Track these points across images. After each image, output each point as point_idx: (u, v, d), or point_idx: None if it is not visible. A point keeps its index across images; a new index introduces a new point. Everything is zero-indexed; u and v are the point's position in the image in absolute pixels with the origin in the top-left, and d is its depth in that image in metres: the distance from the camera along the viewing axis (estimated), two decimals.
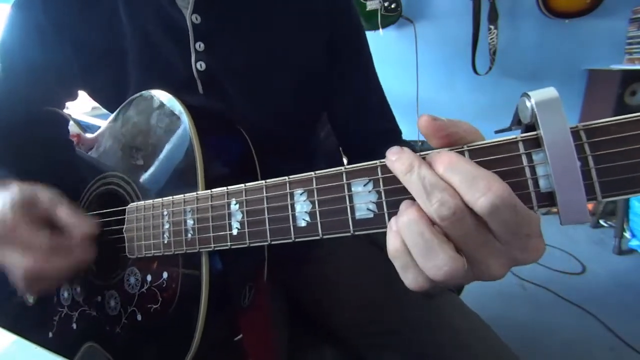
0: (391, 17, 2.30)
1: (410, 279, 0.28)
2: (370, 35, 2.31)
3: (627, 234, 1.89)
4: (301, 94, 0.64)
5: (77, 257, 0.47)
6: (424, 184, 0.26)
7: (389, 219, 0.29)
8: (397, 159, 0.28)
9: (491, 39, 2.21)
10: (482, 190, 0.24)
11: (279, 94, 0.63)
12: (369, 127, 0.71)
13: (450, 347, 0.55)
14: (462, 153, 0.27)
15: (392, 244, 0.28)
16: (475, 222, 0.26)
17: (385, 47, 2.46)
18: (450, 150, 0.28)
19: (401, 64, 2.48)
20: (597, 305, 1.52)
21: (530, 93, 0.24)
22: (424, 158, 0.28)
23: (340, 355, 0.65)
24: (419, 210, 0.27)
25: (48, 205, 0.48)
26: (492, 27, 2.19)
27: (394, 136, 0.73)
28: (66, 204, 0.49)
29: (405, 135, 0.75)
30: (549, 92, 0.24)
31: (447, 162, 0.26)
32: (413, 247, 0.27)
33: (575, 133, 0.24)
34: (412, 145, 0.67)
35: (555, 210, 0.25)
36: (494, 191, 0.24)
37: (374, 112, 0.72)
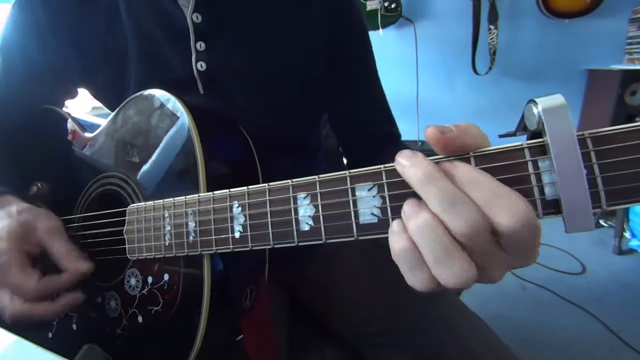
0: (391, 17, 2.30)
1: (417, 281, 0.28)
2: (370, 35, 2.30)
3: (627, 234, 1.89)
4: (302, 94, 0.64)
5: (65, 303, 0.49)
6: (445, 196, 0.25)
7: None
8: (411, 165, 0.27)
9: (491, 39, 2.20)
10: (505, 209, 0.24)
11: (280, 93, 0.63)
12: (369, 130, 0.71)
13: (450, 347, 0.55)
14: (467, 160, 0.27)
15: (398, 245, 0.27)
16: (490, 237, 0.25)
17: (385, 47, 2.46)
18: (457, 157, 0.27)
19: (401, 64, 2.48)
20: (597, 305, 1.53)
21: (537, 100, 0.24)
22: (438, 164, 0.27)
23: (340, 355, 0.65)
24: (435, 216, 0.26)
25: (45, 238, 0.49)
26: (492, 27, 2.18)
27: (394, 139, 0.73)
28: (63, 238, 0.50)
29: (405, 135, 0.75)
30: (556, 99, 0.24)
31: (467, 176, 0.26)
32: (428, 254, 0.26)
33: (581, 140, 0.24)
34: (412, 148, 0.66)
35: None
36: (517, 213, 0.24)
37: (375, 115, 0.72)
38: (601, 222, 2.07)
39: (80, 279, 0.49)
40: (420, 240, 0.26)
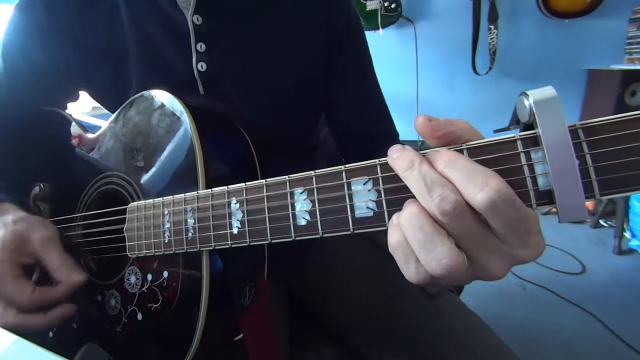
0: (391, 17, 2.30)
1: (411, 272, 0.28)
2: (370, 35, 2.29)
3: (627, 234, 1.89)
4: (300, 94, 0.64)
5: (57, 316, 0.49)
6: (425, 180, 0.26)
7: (389, 218, 0.29)
8: (398, 157, 0.28)
9: (491, 39, 2.21)
10: (479, 185, 0.24)
11: (279, 94, 0.63)
12: (368, 129, 0.71)
13: (450, 347, 0.55)
14: (460, 152, 0.27)
15: (393, 237, 0.28)
16: (475, 220, 0.26)
17: (385, 47, 2.46)
18: (449, 148, 0.28)
19: (401, 64, 2.48)
20: (597, 305, 1.52)
21: (528, 92, 0.24)
22: (424, 156, 0.28)
23: (340, 355, 0.65)
24: (419, 206, 0.27)
25: (39, 249, 0.49)
26: (492, 27, 2.19)
27: (392, 137, 0.73)
28: (57, 248, 0.50)
29: (405, 135, 0.75)
30: (547, 91, 0.24)
31: (446, 159, 0.27)
32: (413, 241, 0.27)
33: (573, 131, 0.24)
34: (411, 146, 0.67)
35: (554, 209, 0.25)
36: (491, 187, 0.24)
37: (374, 113, 0.72)
38: (601, 222, 2.07)
39: (74, 290, 0.49)
40: (406, 230, 0.27)
